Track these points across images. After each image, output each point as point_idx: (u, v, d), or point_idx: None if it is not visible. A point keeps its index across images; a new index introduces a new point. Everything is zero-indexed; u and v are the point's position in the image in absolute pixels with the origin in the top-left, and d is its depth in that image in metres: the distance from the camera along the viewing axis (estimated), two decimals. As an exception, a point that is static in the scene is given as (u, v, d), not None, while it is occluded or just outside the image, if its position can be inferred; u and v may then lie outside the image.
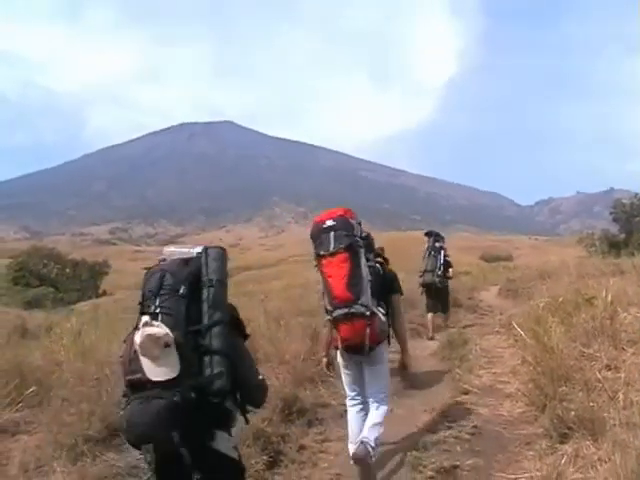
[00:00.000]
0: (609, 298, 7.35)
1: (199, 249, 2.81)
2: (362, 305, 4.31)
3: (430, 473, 4.27)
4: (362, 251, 4.46)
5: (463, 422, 5.23)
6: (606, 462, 3.58)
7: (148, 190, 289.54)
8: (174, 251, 2.88)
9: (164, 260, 2.84)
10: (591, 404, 4.45)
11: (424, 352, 9.16)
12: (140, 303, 2.66)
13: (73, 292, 39.87)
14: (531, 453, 4.38)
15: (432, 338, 10.44)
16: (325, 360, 4.94)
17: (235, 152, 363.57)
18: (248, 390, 2.68)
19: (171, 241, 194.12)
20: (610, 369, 5.52)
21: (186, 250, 2.84)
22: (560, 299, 8.00)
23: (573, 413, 4.31)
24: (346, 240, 4.34)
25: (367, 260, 4.58)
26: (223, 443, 2.57)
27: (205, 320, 2.60)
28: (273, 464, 4.58)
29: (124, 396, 2.51)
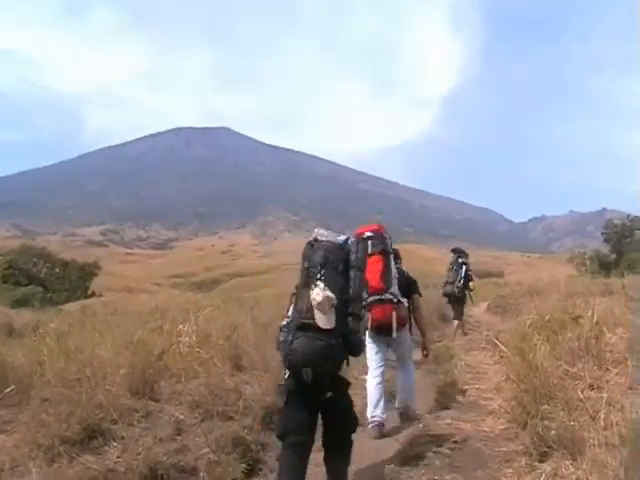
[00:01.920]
0: (595, 318, 7.38)
1: (344, 237, 4.28)
2: (391, 294, 5.86)
3: (408, 488, 4.25)
4: (391, 256, 6.09)
5: (444, 437, 5.20)
6: (585, 482, 3.57)
7: (142, 193, 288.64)
8: (325, 234, 4.28)
9: (316, 240, 4.23)
10: (572, 423, 4.43)
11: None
12: (306, 269, 4.11)
13: (62, 292, 39.65)
14: (510, 470, 4.35)
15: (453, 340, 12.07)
16: None
17: (231, 158, 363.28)
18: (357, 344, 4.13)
19: (163, 245, 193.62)
20: (593, 389, 5.52)
21: (334, 236, 4.25)
22: (547, 317, 8.01)
23: (553, 432, 4.29)
24: (380, 246, 5.96)
25: (395, 263, 6.26)
26: (343, 372, 4.15)
27: (351, 292, 4.07)
28: (252, 472, 4.56)
29: (282, 330, 4.09)
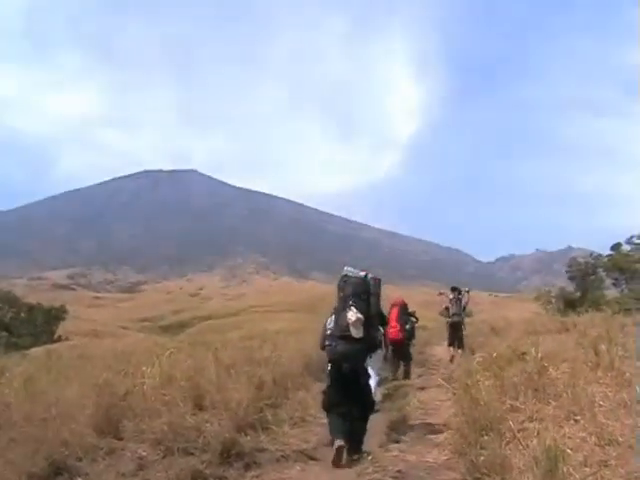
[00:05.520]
0: (540, 354, 7.82)
1: (364, 274, 6.51)
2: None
3: (352, 513, 4.54)
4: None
5: (389, 467, 5.47)
6: (508, 502, 3.93)
7: (110, 236, 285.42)
8: (352, 270, 6.54)
9: (346, 275, 6.51)
10: (507, 452, 4.81)
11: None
12: (342, 297, 6.39)
13: (27, 337, 39.18)
14: (447, 496, 4.70)
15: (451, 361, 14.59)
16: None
17: (199, 201, 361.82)
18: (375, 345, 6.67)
19: (131, 289, 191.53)
20: (532, 420, 5.91)
21: (357, 272, 6.53)
22: (494, 354, 8.40)
23: (483, 458, 4.66)
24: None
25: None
26: (367, 363, 6.53)
27: (371, 311, 6.36)
28: (209, 504, 4.81)
29: (327, 338, 6.35)
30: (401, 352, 12.93)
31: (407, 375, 12.64)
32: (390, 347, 12.48)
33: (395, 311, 12.85)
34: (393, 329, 12.47)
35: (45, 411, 5.80)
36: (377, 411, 7.90)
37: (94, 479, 4.73)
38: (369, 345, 6.35)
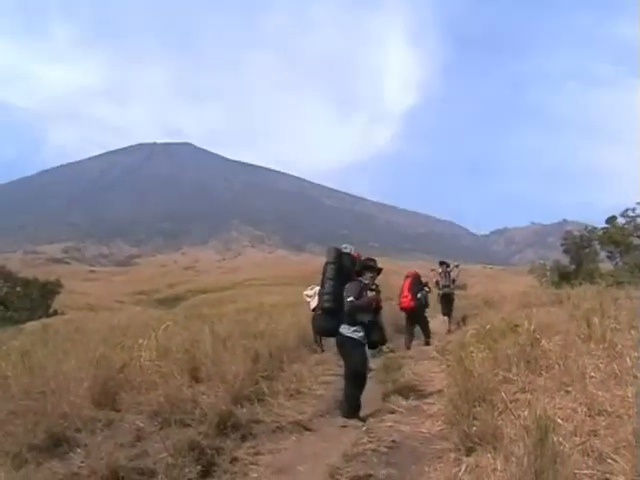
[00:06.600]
0: (532, 327, 7.90)
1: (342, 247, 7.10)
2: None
3: (346, 481, 4.64)
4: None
5: (384, 437, 5.57)
6: (499, 471, 4.03)
7: (104, 209, 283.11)
8: (347, 247, 7.06)
9: None
10: (499, 422, 4.90)
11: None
12: None
13: (23, 311, 39.12)
14: (441, 465, 4.77)
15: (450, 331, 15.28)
16: None
17: (194, 174, 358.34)
18: (344, 308, 6.65)
19: (126, 262, 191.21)
20: (524, 392, 6.01)
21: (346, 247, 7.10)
22: (488, 326, 8.48)
23: (475, 428, 4.75)
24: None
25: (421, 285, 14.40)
26: (344, 330, 6.69)
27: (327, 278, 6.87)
28: (206, 474, 4.87)
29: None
30: (414, 320, 13.90)
31: (427, 344, 13.54)
32: (405, 315, 14.08)
33: (407, 282, 14.01)
34: (405, 298, 13.80)
35: (43, 384, 5.88)
36: (371, 370, 8.25)
37: (93, 450, 4.80)
38: (326, 311, 6.86)
